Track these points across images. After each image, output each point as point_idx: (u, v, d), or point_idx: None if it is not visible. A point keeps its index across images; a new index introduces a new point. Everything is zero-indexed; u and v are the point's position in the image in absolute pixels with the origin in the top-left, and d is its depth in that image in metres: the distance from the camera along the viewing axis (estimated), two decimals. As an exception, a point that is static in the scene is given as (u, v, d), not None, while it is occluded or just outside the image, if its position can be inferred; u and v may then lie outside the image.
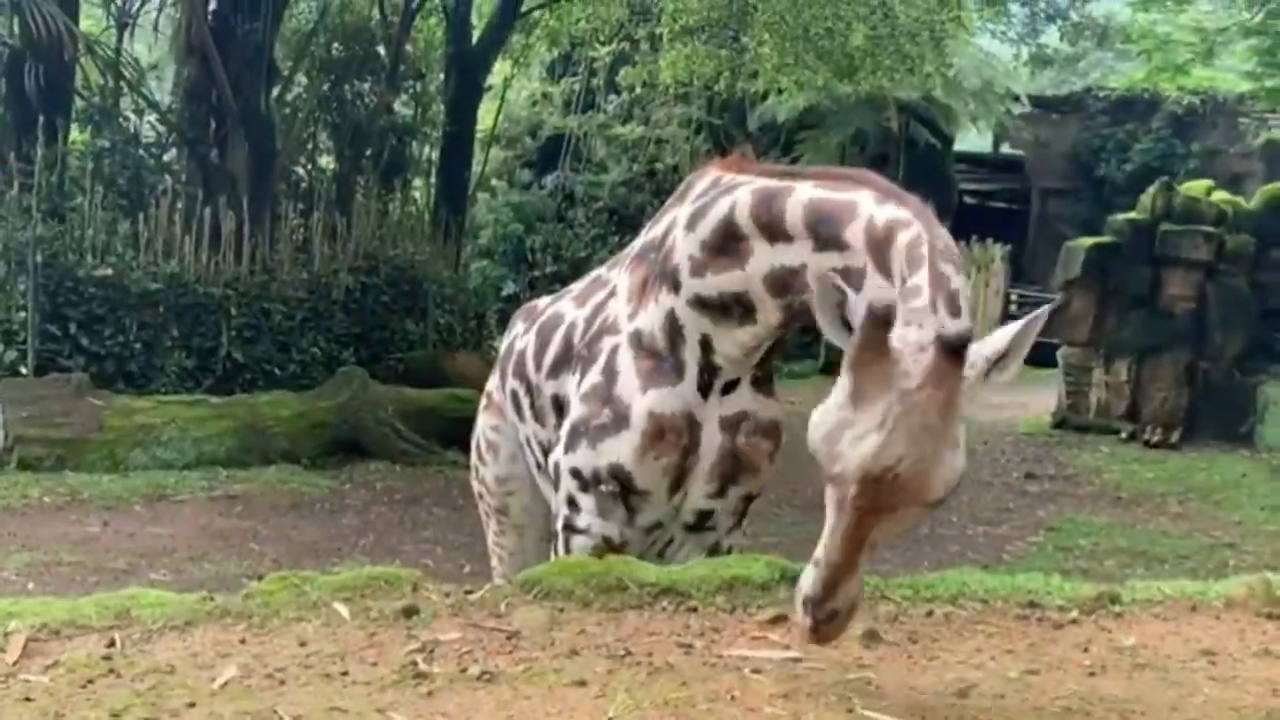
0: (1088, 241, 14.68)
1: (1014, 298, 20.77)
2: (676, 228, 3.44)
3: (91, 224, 12.10)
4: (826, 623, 2.45)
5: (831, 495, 2.47)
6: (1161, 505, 11.37)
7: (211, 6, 14.59)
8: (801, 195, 3.13)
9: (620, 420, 3.44)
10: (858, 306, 2.84)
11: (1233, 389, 14.02)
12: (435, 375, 13.23)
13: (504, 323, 5.84)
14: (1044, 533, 10.23)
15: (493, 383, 4.48)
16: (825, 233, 3.03)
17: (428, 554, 8.75)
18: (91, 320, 11.70)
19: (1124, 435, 14.08)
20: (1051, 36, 28.34)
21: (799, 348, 19.37)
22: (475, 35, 17.56)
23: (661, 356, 3.45)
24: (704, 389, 3.44)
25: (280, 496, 10.22)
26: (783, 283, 3.19)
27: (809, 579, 2.47)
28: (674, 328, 3.43)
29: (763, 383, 3.56)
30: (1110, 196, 19.09)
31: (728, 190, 3.32)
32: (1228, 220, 14.45)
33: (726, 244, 3.28)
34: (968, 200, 23.60)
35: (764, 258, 3.20)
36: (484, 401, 4.56)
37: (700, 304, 3.37)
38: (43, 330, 11.39)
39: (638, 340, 3.50)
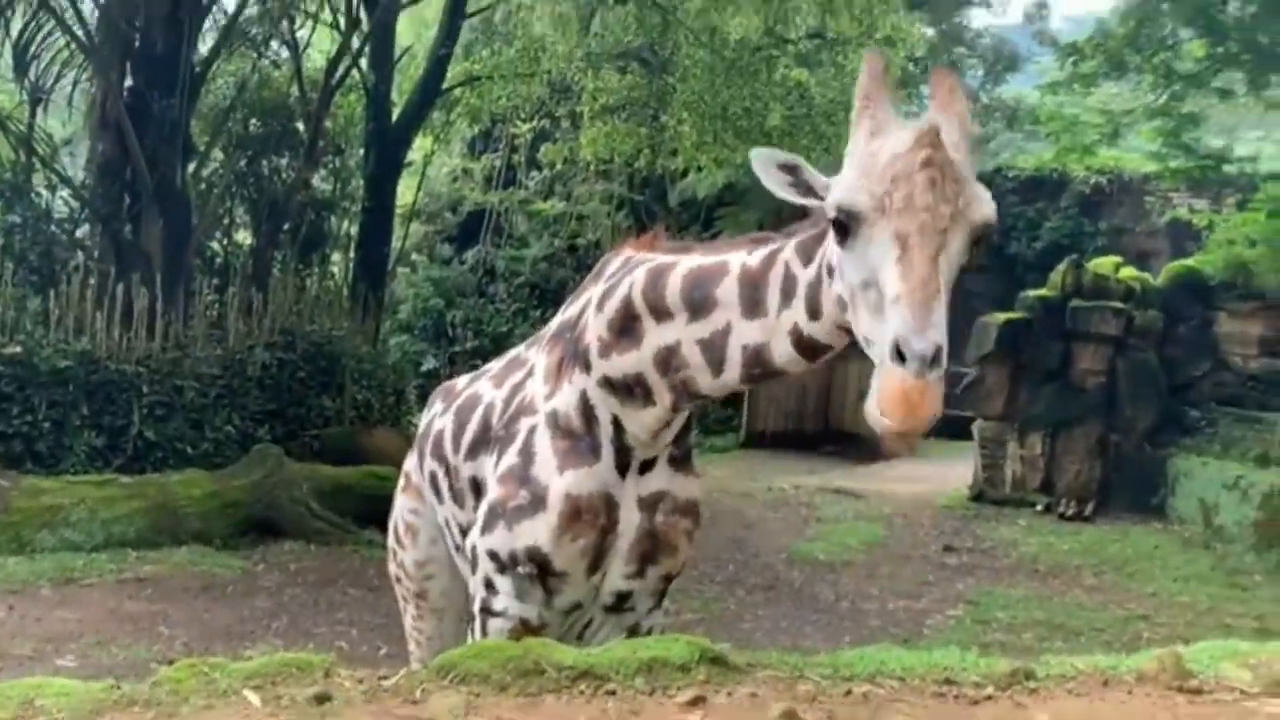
0: (1000, 317, 14.97)
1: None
2: (590, 307, 3.46)
3: (1, 300, 11.88)
4: (932, 365, 2.40)
5: (883, 232, 2.53)
6: (1077, 577, 11.53)
7: (127, 82, 14.49)
8: (682, 268, 3.22)
9: (537, 501, 3.41)
10: (730, 352, 3.08)
11: (1144, 461, 14.30)
12: (353, 452, 13.05)
13: (424, 398, 5.81)
14: (963, 606, 10.31)
15: (411, 463, 4.42)
16: (699, 298, 3.14)
17: (343, 636, 8.60)
18: (-1, 399, 11.43)
19: (1039, 508, 14.30)
20: (962, 118, 29.05)
21: (720, 421, 19.47)
22: (396, 112, 17.60)
23: (578, 436, 3.44)
24: (621, 468, 3.43)
25: (191, 578, 9.96)
26: (665, 361, 3.25)
27: (895, 319, 2.44)
28: (587, 408, 3.43)
29: (680, 461, 3.56)
30: (1021, 273, 19.43)
31: (631, 270, 3.37)
32: (1136, 296, 14.85)
33: (626, 324, 3.33)
34: (883, 277, 23.85)
35: (653, 337, 3.27)
36: (402, 482, 4.49)
37: (609, 384, 3.39)
38: (-51, 409, 11.11)
39: (554, 420, 3.49)
